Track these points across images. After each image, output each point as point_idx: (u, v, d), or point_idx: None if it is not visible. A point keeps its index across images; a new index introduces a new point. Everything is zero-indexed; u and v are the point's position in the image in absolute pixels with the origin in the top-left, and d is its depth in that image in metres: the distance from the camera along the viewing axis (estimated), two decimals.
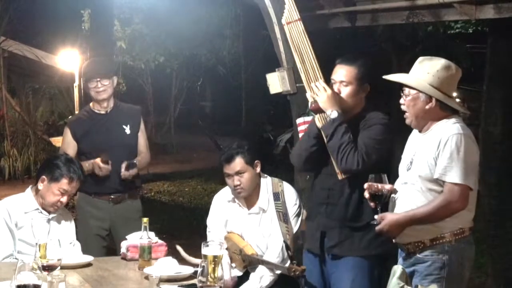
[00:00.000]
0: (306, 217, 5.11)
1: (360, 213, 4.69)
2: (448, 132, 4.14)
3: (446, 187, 4.10)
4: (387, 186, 4.23)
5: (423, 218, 4.14)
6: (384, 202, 4.27)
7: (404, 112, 4.33)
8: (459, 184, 4.07)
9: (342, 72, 4.72)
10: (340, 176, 4.69)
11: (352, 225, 4.70)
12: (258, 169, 5.28)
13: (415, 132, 4.43)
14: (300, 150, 4.94)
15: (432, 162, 4.14)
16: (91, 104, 6.15)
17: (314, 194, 4.98)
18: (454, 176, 4.07)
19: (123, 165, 5.88)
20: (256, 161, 5.26)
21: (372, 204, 4.29)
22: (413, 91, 4.26)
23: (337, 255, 4.78)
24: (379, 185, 4.22)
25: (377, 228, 4.22)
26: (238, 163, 5.20)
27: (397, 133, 4.73)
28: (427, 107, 4.23)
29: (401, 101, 4.32)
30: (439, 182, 4.12)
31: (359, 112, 4.77)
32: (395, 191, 4.28)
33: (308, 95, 4.79)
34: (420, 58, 4.35)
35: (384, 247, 4.68)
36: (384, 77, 4.48)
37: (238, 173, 5.19)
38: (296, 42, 4.97)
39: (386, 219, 4.20)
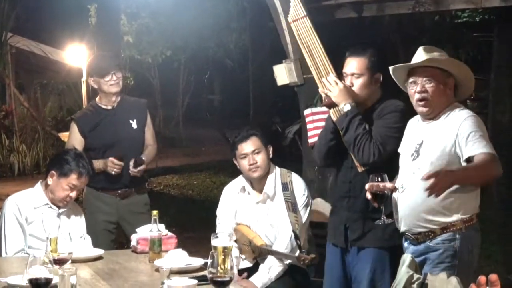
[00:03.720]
0: (331, 212, 5.10)
1: (381, 211, 4.67)
2: (461, 116, 4.14)
3: (478, 156, 4.02)
4: (388, 185, 4.21)
5: (473, 172, 4.05)
6: (386, 201, 4.26)
7: (420, 101, 4.26)
8: (490, 153, 4.02)
9: (353, 64, 4.71)
10: (360, 169, 4.69)
11: (374, 216, 4.60)
12: (271, 154, 5.33)
13: (414, 121, 4.41)
14: (320, 145, 4.95)
15: (449, 149, 4.12)
16: (97, 99, 6.15)
17: (336, 188, 4.98)
18: (483, 147, 4.02)
19: (131, 163, 5.90)
20: (269, 145, 5.32)
21: (375, 204, 4.29)
22: (434, 78, 4.20)
23: (360, 247, 4.78)
24: (381, 184, 4.19)
25: (429, 177, 3.91)
26: (255, 141, 5.28)
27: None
28: (448, 91, 4.23)
29: (417, 88, 4.24)
30: (452, 156, 4.10)
31: (375, 103, 4.76)
32: (396, 189, 4.27)
33: (320, 90, 4.79)
34: (423, 47, 4.32)
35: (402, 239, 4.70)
36: (403, 65, 4.39)
37: (254, 151, 5.24)
38: (304, 39, 4.96)
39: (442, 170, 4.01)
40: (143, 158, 5.98)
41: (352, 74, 4.71)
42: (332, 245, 4.97)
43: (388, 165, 4.43)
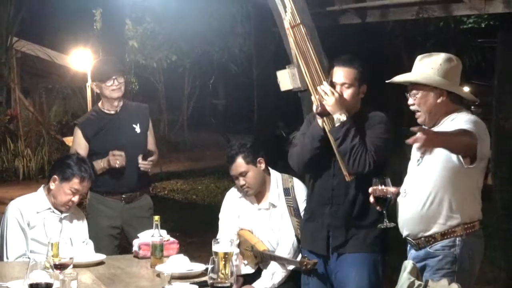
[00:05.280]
0: (307, 219, 5.07)
1: (366, 211, 4.71)
2: (458, 119, 4.15)
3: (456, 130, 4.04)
4: (391, 189, 4.22)
5: (449, 135, 4.03)
6: (390, 205, 4.27)
7: (414, 112, 4.32)
8: (466, 128, 4.01)
9: (343, 74, 4.73)
10: (348, 178, 4.71)
11: (358, 223, 4.73)
12: (263, 166, 5.29)
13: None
14: (303, 152, 4.90)
15: (444, 157, 4.12)
16: (99, 104, 6.14)
17: (315, 195, 4.98)
18: (463, 126, 4.03)
19: (140, 157, 5.89)
20: (259, 159, 5.28)
21: (377, 207, 4.31)
22: (421, 89, 4.26)
23: (342, 253, 4.80)
24: (384, 189, 4.21)
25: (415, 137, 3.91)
26: (240, 164, 5.23)
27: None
28: (438, 100, 4.24)
29: (410, 101, 4.31)
30: (454, 161, 4.11)
31: (356, 113, 4.78)
32: (399, 194, 4.28)
33: (315, 98, 4.78)
34: (419, 57, 4.37)
35: (387, 243, 4.75)
36: (388, 81, 4.49)
37: (241, 174, 5.22)
38: (300, 46, 4.97)
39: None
40: (151, 150, 5.98)
41: (343, 84, 4.72)
42: (310, 252, 4.95)
43: (378, 174, 4.42)
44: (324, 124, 4.75)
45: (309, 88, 4.87)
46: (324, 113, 4.70)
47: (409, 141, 3.82)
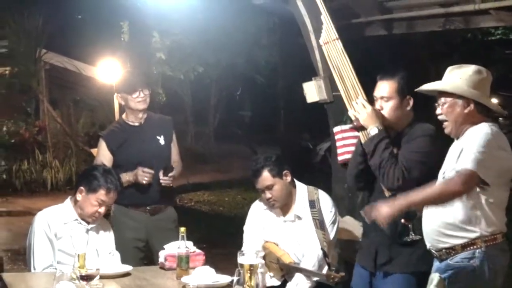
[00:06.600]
0: (362, 234, 5.07)
1: (408, 229, 4.63)
2: (471, 133, 4.13)
3: (451, 173, 4.08)
4: None
5: (422, 196, 4.11)
6: (415, 219, 4.25)
7: (442, 122, 4.31)
8: (467, 169, 3.98)
9: (383, 88, 4.70)
10: (387, 193, 4.65)
11: (401, 241, 4.60)
12: (289, 178, 5.29)
13: (454, 141, 4.40)
14: (350, 168, 4.91)
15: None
16: (123, 115, 6.16)
17: None
18: (465, 161, 4.01)
19: (161, 172, 5.91)
20: (284, 171, 5.27)
21: (403, 221, 4.31)
22: (449, 98, 4.24)
23: (387, 272, 4.73)
24: None
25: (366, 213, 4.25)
26: (265, 178, 5.24)
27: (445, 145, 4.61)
28: (465, 111, 4.21)
29: (438, 111, 4.30)
30: None
31: (406, 126, 4.72)
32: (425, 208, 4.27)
33: (350, 113, 4.78)
34: (449, 68, 4.35)
35: (431, 263, 4.66)
36: (417, 89, 4.47)
37: (268, 187, 5.22)
38: (335, 61, 4.97)
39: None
40: (172, 166, 5.98)
41: (382, 97, 4.69)
42: (361, 267, 4.92)
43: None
44: (362, 138, 4.73)
45: (345, 103, 4.87)
46: (360, 127, 4.70)
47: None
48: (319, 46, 6.29)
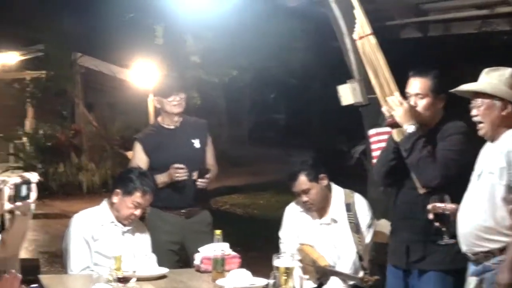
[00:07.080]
0: (391, 232, 5.05)
1: (442, 232, 4.58)
2: (509, 141, 4.08)
3: None
4: (450, 206, 4.18)
5: None
6: (449, 221, 4.22)
7: (476, 124, 4.26)
8: None
9: (417, 85, 4.67)
10: (421, 191, 4.63)
11: (435, 239, 4.53)
12: (325, 182, 5.27)
13: (487, 143, 4.36)
14: (379, 165, 4.90)
15: (498, 173, 4.06)
16: (159, 119, 6.20)
17: (396, 208, 4.91)
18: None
19: (195, 174, 5.91)
20: (321, 175, 5.25)
21: (437, 224, 4.27)
22: (486, 100, 4.20)
23: (421, 270, 4.70)
24: (442, 205, 4.18)
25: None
26: (302, 182, 5.22)
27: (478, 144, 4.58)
28: (503, 113, 4.17)
29: (473, 112, 4.25)
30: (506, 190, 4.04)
31: (438, 123, 4.71)
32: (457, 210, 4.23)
33: (384, 109, 4.75)
34: (485, 70, 4.30)
35: (466, 261, 4.62)
36: (453, 90, 4.42)
37: (304, 191, 5.20)
38: (369, 56, 4.95)
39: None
40: (207, 168, 5.99)
41: (416, 95, 4.66)
42: (393, 266, 4.89)
43: (452, 188, 4.36)
44: (396, 135, 4.71)
45: (379, 99, 4.84)
46: (394, 125, 4.67)
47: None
48: (354, 49, 6.27)
